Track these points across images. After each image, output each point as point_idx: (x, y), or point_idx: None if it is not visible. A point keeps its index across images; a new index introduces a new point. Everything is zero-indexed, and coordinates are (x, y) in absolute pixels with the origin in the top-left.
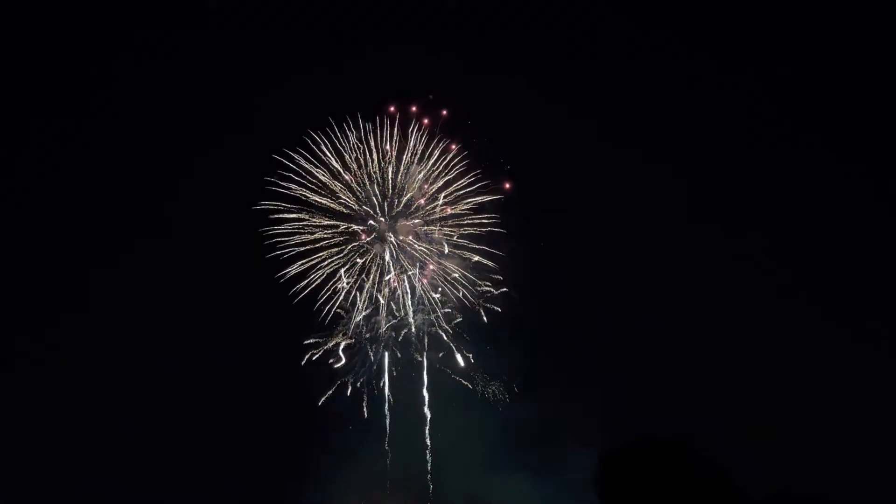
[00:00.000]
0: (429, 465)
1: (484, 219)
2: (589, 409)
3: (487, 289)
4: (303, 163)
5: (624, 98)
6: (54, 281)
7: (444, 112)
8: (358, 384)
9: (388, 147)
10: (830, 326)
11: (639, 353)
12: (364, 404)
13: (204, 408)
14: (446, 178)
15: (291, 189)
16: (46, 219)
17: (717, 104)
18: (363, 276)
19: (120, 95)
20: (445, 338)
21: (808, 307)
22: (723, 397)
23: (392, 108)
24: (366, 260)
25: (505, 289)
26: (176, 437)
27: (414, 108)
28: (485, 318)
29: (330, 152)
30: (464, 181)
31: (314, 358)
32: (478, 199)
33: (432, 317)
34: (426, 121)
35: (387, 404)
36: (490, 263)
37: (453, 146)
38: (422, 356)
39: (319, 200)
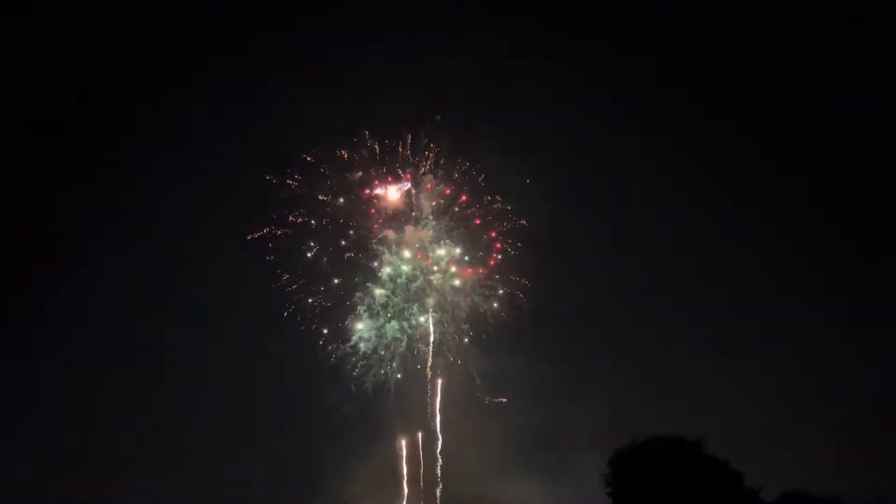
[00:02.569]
0: (439, 467)
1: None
2: (597, 411)
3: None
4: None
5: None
6: None
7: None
8: (370, 389)
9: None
10: (845, 331)
11: (648, 354)
12: (375, 408)
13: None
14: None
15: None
16: None
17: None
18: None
19: None
20: (455, 345)
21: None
22: (736, 398)
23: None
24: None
25: (521, 296)
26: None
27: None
28: (490, 325)
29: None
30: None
31: (331, 360)
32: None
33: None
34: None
35: (397, 409)
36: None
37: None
38: (432, 363)
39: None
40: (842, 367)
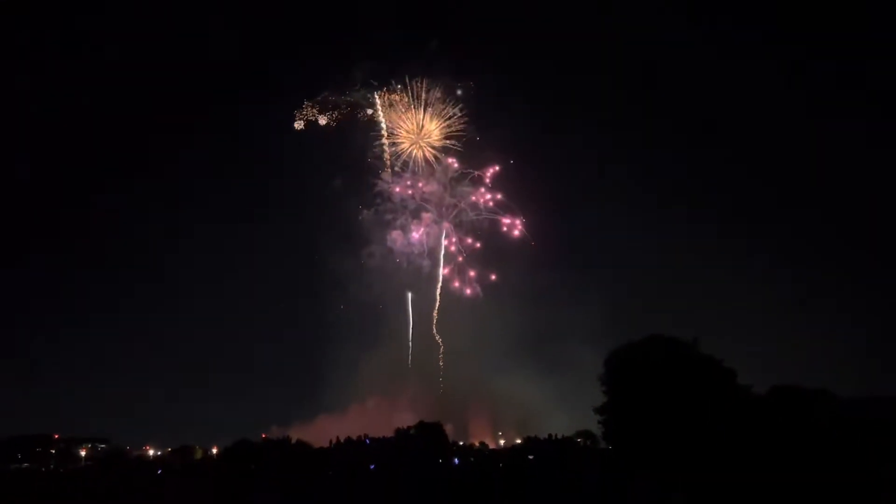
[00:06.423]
0: (441, 361)
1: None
2: (593, 310)
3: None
4: None
5: None
6: None
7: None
8: (375, 299)
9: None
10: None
11: (643, 253)
12: (381, 316)
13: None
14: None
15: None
16: None
17: None
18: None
19: None
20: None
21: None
22: (732, 299)
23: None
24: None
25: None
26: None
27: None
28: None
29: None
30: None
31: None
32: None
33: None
34: None
35: (403, 314)
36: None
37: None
38: (433, 272)
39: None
40: (838, 271)
